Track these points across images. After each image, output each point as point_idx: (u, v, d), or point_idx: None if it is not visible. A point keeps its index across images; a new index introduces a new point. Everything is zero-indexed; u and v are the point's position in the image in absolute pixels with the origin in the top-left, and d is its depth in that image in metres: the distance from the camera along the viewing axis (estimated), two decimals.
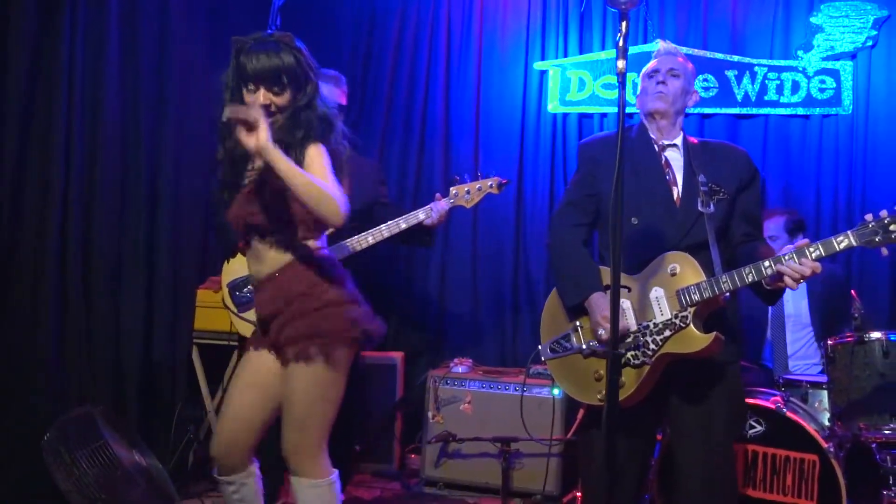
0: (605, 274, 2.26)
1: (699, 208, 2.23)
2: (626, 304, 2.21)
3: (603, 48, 4.24)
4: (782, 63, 4.02)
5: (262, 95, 2.03)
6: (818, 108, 3.98)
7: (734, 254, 2.30)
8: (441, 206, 3.06)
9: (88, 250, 3.17)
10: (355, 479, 3.55)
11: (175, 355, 3.52)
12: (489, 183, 3.10)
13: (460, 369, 3.70)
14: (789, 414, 2.77)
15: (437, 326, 4.35)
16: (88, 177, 3.17)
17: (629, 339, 2.19)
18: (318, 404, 2.06)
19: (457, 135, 4.40)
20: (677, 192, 2.30)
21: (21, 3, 2.88)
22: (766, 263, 2.08)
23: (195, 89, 3.64)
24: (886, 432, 2.64)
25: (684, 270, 2.17)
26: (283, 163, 1.88)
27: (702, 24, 4.15)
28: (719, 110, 4.10)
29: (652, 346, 2.17)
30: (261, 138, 1.86)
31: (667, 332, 2.16)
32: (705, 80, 4.04)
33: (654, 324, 2.18)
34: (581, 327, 2.30)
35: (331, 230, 2.88)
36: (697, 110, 4.01)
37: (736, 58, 4.06)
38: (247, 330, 2.99)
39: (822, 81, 3.97)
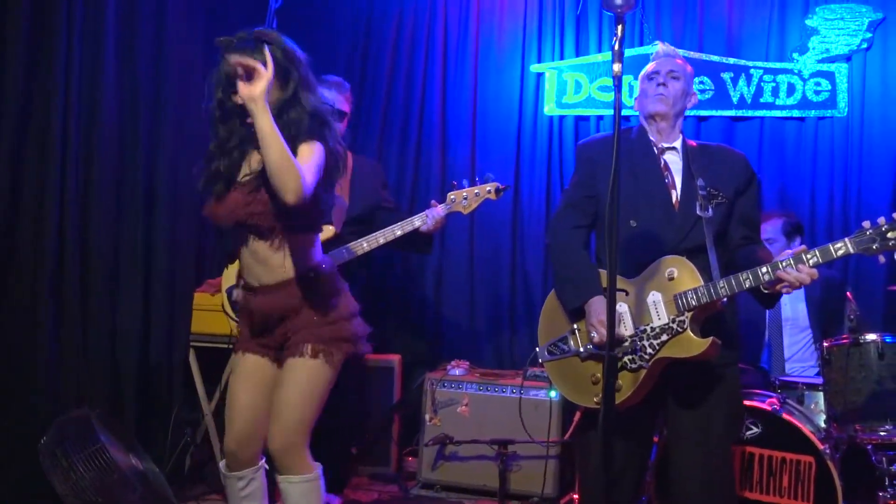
0: (605, 277, 2.27)
1: (697, 212, 2.23)
2: (623, 307, 2.22)
3: (599, 50, 4.25)
4: (778, 65, 4.04)
5: (236, 98, 2.04)
6: (813, 111, 4.00)
7: (732, 257, 2.30)
8: (437, 212, 3.03)
9: (86, 252, 3.16)
10: (353, 481, 3.55)
11: (172, 358, 3.51)
12: (487, 188, 3.06)
13: (457, 372, 3.70)
14: (785, 416, 2.78)
15: (435, 329, 4.35)
16: (85, 178, 3.16)
17: (626, 343, 2.19)
18: (312, 402, 2.10)
19: (454, 137, 4.40)
20: (676, 195, 2.31)
21: (18, 2, 2.87)
22: (764, 269, 2.09)
23: (193, 90, 3.63)
24: (882, 434, 2.66)
25: (682, 275, 2.18)
26: (266, 121, 1.87)
27: (698, 27, 4.17)
28: (715, 112, 4.11)
29: (649, 349, 2.17)
30: (256, 88, 1.86)
31: (664, 337, 2.16)
32: (701, 82, 4.05)
33: (652, 328, 2.18)
34: (579, 330, 2.31)
35: (329, 234, 2.89)
36: (693, 113, 4.02)
37: (732, 60, 4.08)
38: None
39: (818, 84, 3.98)
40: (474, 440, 3.45)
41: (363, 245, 2.97)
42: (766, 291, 2.13)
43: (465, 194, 3.06)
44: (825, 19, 3.97)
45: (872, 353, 2.71)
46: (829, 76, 3.97)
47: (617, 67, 1.80)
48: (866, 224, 2.03)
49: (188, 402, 3.57)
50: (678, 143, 2.38)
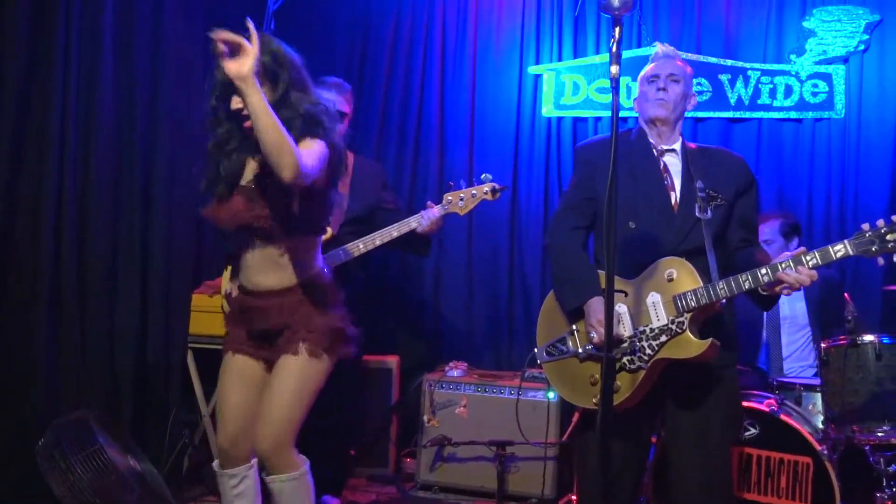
0: (604, 278, 2.27)
1: (697, 214, 2.23)
2: (622, 308, 2.22)
3: (597, 52, 4.26)
4: (775, 67, 4.05)
5: (233, 101, 2.05)
6: (811, 112, 4.01)
7: (731, 259, 2.31)
8: (433, 213, 3.00)
9: (83, 253, 3.16)
10: (351, 482, 3.55)
11: (170, 359, 3.51)
12: (484, 189, 3.03)
13: (455, 373, 3.70)
14: (783, 417, 2.79)
15: (433, 330, 4.35)
16: (83, 178, 3.16)
17: (625, 344, 2.19)
18: (301, 402, 2.10)
19: (452, 138, 4.41)
20: (675, 197, 2.31)
21: (16, 1, 2.87)
22: (763, 271, 2.09)
23: (190, 90, 3.63)
24: (879, 434, 2.66)
25: (681, 276, 2.18)
26: (257, 97, 1.83)
27: (695, 29, 4.17)
28: (713, 114, 4.12)
29: (648, 350, 2.17)
30: (244, 65, 1.81)
31: (663, 338, 2.16)
32: (699, 83, 4.06)
33: (651, 329, 2.18)
34: (577, 331, 2.31)
35: (327, 235, 2.88)
36: (691, 114, 4.01)
37: (729, 62, 4.09)
38: None
39: (815, 85, 3.99)
40: (472, 441, 3.45)
41: (359, 246, 2.96)
42: (764, 293, 2.14)
43: (461, 195, 3.03)
44: (822, 21, 3.98)
45: (870, 354, 2.72)
46: (827, 78, 3.98)
47: (615, 69, 1.80)
48: (865, 226, 2.04)
49: (186, 403, 3.57)
50: (678, 146, 2.38)
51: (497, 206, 4.27)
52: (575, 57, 4.29)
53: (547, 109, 4.28)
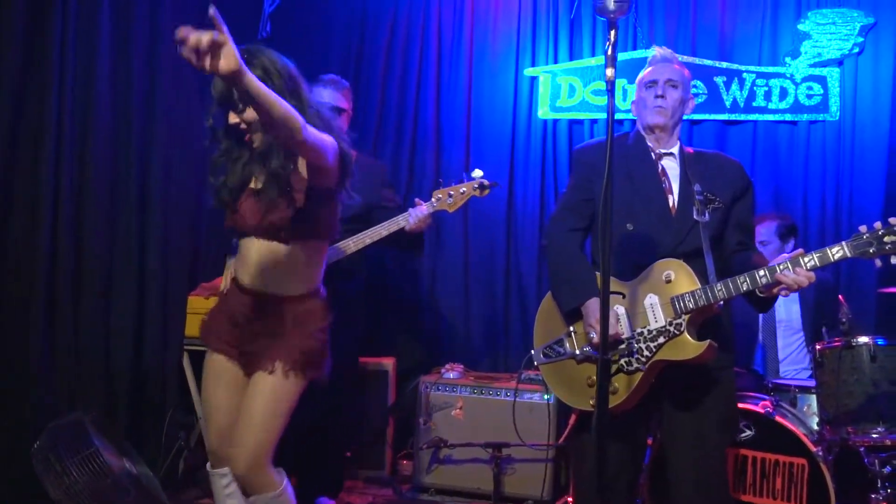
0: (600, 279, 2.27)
1: (694, 217, 2.24)
2: (620, 310, 2.23)
3: (593, 55, 4.27)
4: (770, 70, 4.06)
5: (230, 116, 2.06)
6: (806, 115, 4.02)
7: (727, 263, 2.31)
8: (420, 210, 2.97)
9: (79, 254, 3.15)
10: (347, 484, 3.54)
11: (166, 362, 3.51)
12: (473, 185, 2.99)
13: (452, 375, 3.70)
14: (778, 418, 2.80)
15: (429, 332, 4.36)
16: (79, 178, 3.15)
17: (623, 346, 2.20)
18: (276, 421, 2.08)
19: (448, 140, 4.41)
20: (673, 200, 2.32)
21: (12, 1, 2.86)
22: (762, 272, 2.10)
23: (187, 90, 3.63)
24: (874, 436, 2.67)
25: (679, 277, 2.19)
26: (254, 84, 1.75)
27: (690, 31, 4.19)
28: (708, 116, 4.13)
29: (646, 352, 2.18)
30: (230, 59, 1.66)
31: (661, 339, 2.17)
32: (694, 86, 4.07)
33: (649, 330, 2.19)
34: (575, 332, 2.31)
35: None
36: (686, 116, 4.03)
37: (724, 64, 4.10)
38: None
39: (810, 88, 4.01)
40: (469, 443, 3.45)
41: (350, 244, 2.95)
42: (762, 295, 2.15)
43: (450, 192, 3.00)
44: (817, 24, 3.99)
45: (864, 355, 2.72)
46: (822, 80, 4.00)
47: (610, 72, 1.81)
48: (863, 228, 2.05)
49: (182, 405, 3.56)
50: (675, 149, 2.39)
51: (493, 207, 4.30)
52: (571, 59, 4.30)
53: (543, 111, 4.29)
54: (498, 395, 3.54)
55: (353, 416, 3.55)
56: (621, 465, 2.29)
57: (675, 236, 2.26)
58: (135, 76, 3.38)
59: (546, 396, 3.43)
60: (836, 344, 2.78)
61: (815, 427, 2.86)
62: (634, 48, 4.22)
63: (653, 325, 2.19)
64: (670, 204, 2.31)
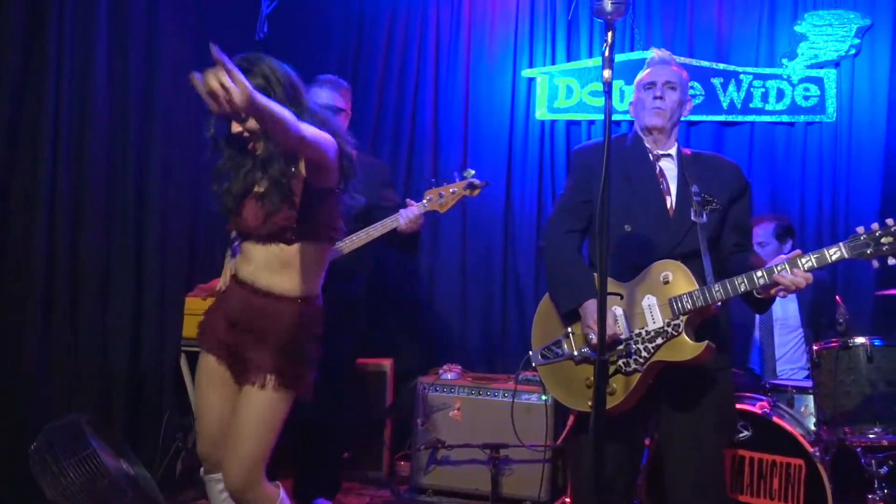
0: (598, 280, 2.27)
1: (692, 218, 2.25)
2: (618, 311, 2.23)
3: (590, 56, 4.27)
4: (767, 71, 4.07)
5: (233, 126, 2.06)
6: (802, 116, 4.03)
7: (724, 264, 2.32)
8: (411, 211, 2.94)
9: (76, 254, 3.15)
10: (345, 485, 3.54)
11: (163, 363, 3.50)
12: (464, 185, 2.95)
13: (449, 376, 3.70)
14: (776, 419, 2.80)
15: (427, 333, 4.36)
16: (77, 179, 3.15)
17: (621, 347, 2.20)
18: (268, 435, 2.06)
19: (446, 141, 4.42)
20: (671, 201, 2.32)
21: (9, 1, 2.86)
22: (759, 273, 2.10)
23: (184, 90, 3.63)
24: (871, 436, 2.68)
25: (676, 279, 2.19)
26: (268, 108, 1.73)
27: (688, 33, 4.20)
28: (705, 117, 4.14)
29: (644, 353, 2.18)
30: (244, 92, 1.62)
31: (659, 340, 2.17)
32: (691, 87, 4.08)
33: (647, 331, 2.19)
34: (573, 333, 2.31)
35: None
36: (683, 118, 4.05)
37: (721, 66, 4.11)
38: None
39: (807, 89, 4.02)
40: (466, 444, 3.45)
41: (345, 244, 2.93)
42: (759, 296, 2.15)
43: (441, 192, 2.97)
44: (814, 25, 4.01)
45: (861, 356, 2.73)
46: (818, 82, 4.01)
47: (607, 74, 1.81)
48: (860, 229, 2.05)
49: (179, 406, 3.56)
50: (673, 151, 2.39)
51: (491, 208, 4.31)
52: (568, 60, 4.30)
53: (540, 112, 4.30)
54: (496, 395, 3.54)
55: (351, 416, 3.54)
56: (619, 465, 2.29)
57: (672, 237, 2.27)
58: (132, 75, 3.38)
59: (544, 397, 3.43)
60: (833, 345, 2.79)
61: (813, 427, 2.87)
62: (632, 49, 4.22)
63: (651, 326, 2.19)
64: (668, 205, 2.31)
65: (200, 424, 2.17)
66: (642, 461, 2.62)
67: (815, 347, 2.86)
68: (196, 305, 3.50)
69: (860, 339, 2.75)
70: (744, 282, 2.11)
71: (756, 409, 2.83)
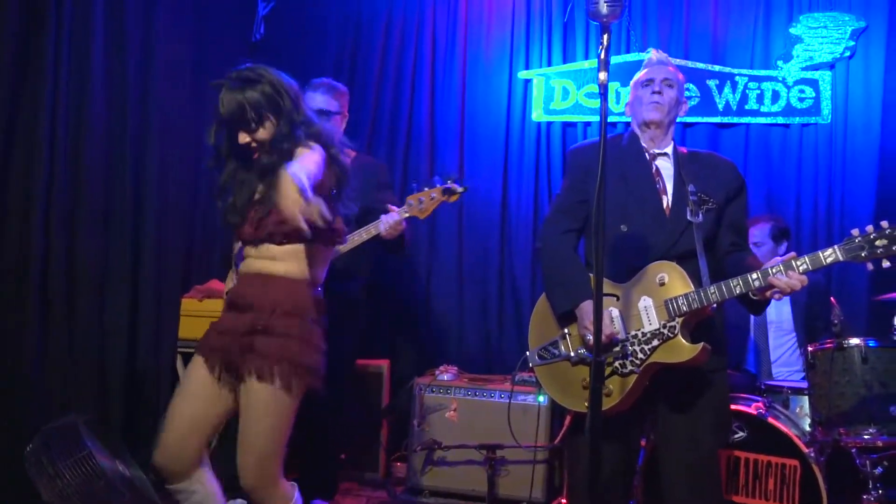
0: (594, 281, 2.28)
1: (688, 217, 2.25)
2: (614, 312, 2.23)
3: (586, 58, 4.28)
4: (762, 73, 4.09)
5: (240, 136, 2.08)
6: (798, 118, 4.05)
7: (721, 264, 2.32)
8: (391, 217, 2.90)
9: (72, 256, 3.14)
10: (341, 486, 3.54)
11: (159, 364, 3.50)
12: (441, 190, 2.89)
13: (446, 377, 3.71)
14: (771, 420, 2.81)
15: (424, 334, 4.36)
16: (73, 180, 3.14)
17: (617, 348, 2.20)
18: (280, 432, 2.05)
19: (442, 143, 4.42)
20: (667, 200, 2.32)
21: (6, 2, 2.85)
22: (755, 276, 2.11)
23: (181, 91, 3.63)
24: (866, 437, 2.68)
25: (672, 280, 2.19)
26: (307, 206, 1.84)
27: (683, 35, 4.21)
28: (701, 119, 4.15)
29: (640, 355, 2.19)
30: (306, 202, 1.80)
31: (655, 342, 2.18)
32: (687, 89, 4.09)
33: (643, 333, 2.20)
34: (569, 334, 2.32)
35: None
36: (679, 119, 4.06)
37: (717, 67, 4.12)
38: None
39: (802, 91, 4.04)
40: (463, 445, 3.45)
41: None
42: (755, 298, 2.16)
43: (420, 197, 2.93)
44: (809, 28, 4.02)
45: (856, 357, 2.74)
46: (813, 84, 4.02)
47: (603, 76, 1.82)
48: (855, 232, 2.06)
49: None
50: (669, 150, 2.40)
51: (487, 210, 4.31)
52: (564, 62, 4.31)
53: (537, 114, 4.31)
54: (492, 396, 3.55)
55: (347, 418, 3.54)
56: (616, 466, 2.29)
57: (669, 237, 2.27)
58: (129, 76, 3.38)
59: (540, 398, 3.43)
60: (828, 346, 2.80)
61: (808, 428, 2.88)
62: (628, 51, 4.23)
63: (647, 328, 2.20)
64: (664, 205, 2.32)
65: (165, 435, 2.09)
66: (639, 462, 2.63)
67: (810, 348, 2.87)
68: (193, 306, 3.49)
69: (855, 341, 2.76)
70: (739, 284, 2.12)
71: (751, 410, 2.84)
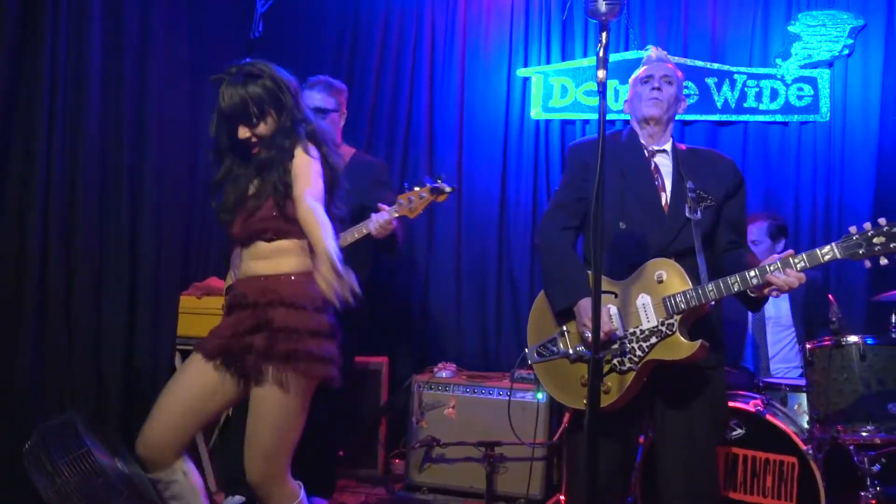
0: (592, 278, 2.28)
1: (687, 214, 2.25)
2: (613, 309, 2.24)
3: (585, 55, 4.28)
4: (761, 71, 4.09)
5: (240, 131, 2.08)
6: (796, 115, 4.05)
7: (719, 261, 2.33)
8: (381, 216, 2.88)
9: (70, 254, 3.13)
10: (340, 484, 3.55)
11: (157, 361, 3.49)
12: (429, 190, 2.87)
13: (444, 374, 3.71)
14: (769, 417, 2.81)
15: (422, 332, 4.36)
16: (70, 178, 3.13)
17: (615, 346, 2.21)
18: (286, 434, 2.04)
19: (441, 141, 4.42)
20: (666, 197, 2.33)
21: (3, 1, 2.85)
22: (752, 273, 2.11)
23: (179, 88, 3.62)
24: (864, 434, 2.68)
25: (671, 277, 2.20)
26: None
27: (682, 33, 4.21)
28: (700, 117, 4.16)
29: (638, 352, 2.19)
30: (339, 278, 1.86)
31: (653, 339, 2.18)
32: (685, 87, 4.09)
33: (641, 330, 2.20)
34: (568, 332, 2.32)
35: None
36: (678, 117, 4.05)
37: (716, 65, 4.12)
38: None
39: (800, 89, 4.04)
40: (461, 442, 3.45)
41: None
42: (752, 295, 2.16)
43: (410, 197, 2.90)
44: (808, 26, 4.02)
45: (854, 354, 2.74)
46: (812, 81, 4.03)
47: (602, 74, 1.82)
48: (853, 229, 2.06)
49: None
50: (668, 146, 2.40)
51: (486, 207, 4.31)
52: (563, 60, 4.31)
53: (535, 112, 4.30)
54: (490, 393, 3.55)
55: (346, 415, 3.55)
56: (614, 463, 2.30)
57: (667, 234, 2.27)
58: (126, 74, 3.37)
59: (538, 395, 3.44)
60: (826, 343, 2.80)
61: (806, 426, 2.88)
62: (626, 49, 4.23)
63: (645, 325, 2.20)
64: (663, 202, 2.32)
65: (149, 424, 2.08)
66: (637, 458, 2.64)
67: (808, 346, 2.87)
68: (191, 304, 3.49)
69: (853, 338, 2.76)
70: (737, 281, 2.12)
71: (749, 408, 2.84)
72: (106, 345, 3.29)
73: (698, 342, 2.14)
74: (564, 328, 2.32)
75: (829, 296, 3.40)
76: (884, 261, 2.03)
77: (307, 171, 2.04)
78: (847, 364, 2.74)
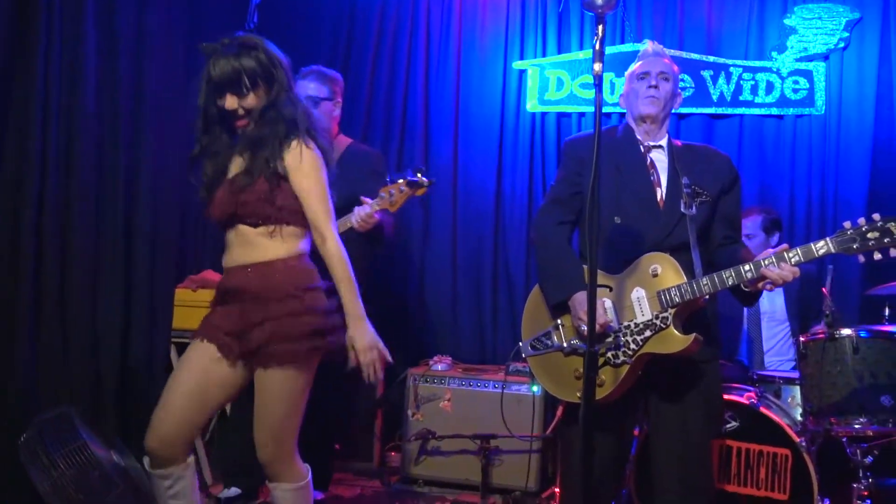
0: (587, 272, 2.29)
1: (682, 210, 2.26)
2: (607, 303, 2.24)
3: (581, 48, 4.27)
4: (757, 64, 4.09)
5: (228, 101, 2.05)
6: (792, 109, 4.05)
7: (714, 256, 2.34)
8: (363, 209, 2.87)
9: (65, 247, 3.12)
10: (335, 476, 3.55)
11: (153, 354, 3.49)
12: (409, 182, 2.84)
13: (440, 367, 3.71)
14: (763, 409, 2.83)
15: (417, 324, 4.36)
16: (66, 173, 3.12)
17: (610, 339, 2.22)
18: (294, 412, 2.07)
19: (436, 133, 4.41)
20: (661, 193, 2.33)
21: None
22: (747, 268, 2.12)
23: (175, 82, 3.61)
24: (856, 427, 2.70)
25: (665, 271, 2.20)
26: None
27: (678, 26, 4.20)
28: (695, 110, 4.15)
29: (632, 345, 2.20)
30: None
31: (647, 333, 2.19)
32: (681, 80, 4.09)
33: (635, 324, 2.21)
34: (562, 325, 2.33)
35: None
36: (673, 110, 4.06)
37: (711, 58, 4.12)
38: None
39: (796, 82, 4.04)
40: (457, 435, 3.46)
41: None
42: (747, 289, 2.17)
43: (391, 190, 2.89)
44: (803, 19, 4.02)
45: (847, 347, 2.75)
46: (807, 75, 4.03)
47: (598, 67, 1.82)
48: (847, 224, 2.07)
49: None
50: (664, 142, 2.40)
51: (481, 200, 4.31)
52: (559, 52, 4.31)
53: (531, 104, 4.30)
54: (486, 386, 3.56)
55: (341, 408, 3.55)
56: (608, 455, 2.31)
57: (662, 229, 2.28)
58: (122, 70, 3.36)
59: (533, 388, 3.45)
60: (820, 336, 2.81)
61: (799, 418, 2.90)
62: (622, 42, 4.23)
63: (639, 319, 2.21)
64: (658, 197, 2.33)
65: (157, 417, 2.07)
66: (631, 451, 2.65)
67: (801, 339, 2.88)
68: (187, 296, 3.49)
69: (846, 331, 2.77)
70: (731, 275, 2.13)
71: (743, 400, 2.86)
72: (102, 342, 3.29)
73: (692, 336, 2.15)
74: (559, 322, 2.33)
75: (823, 289, 3.42)
76: (877, 255, 2.04)
77: (317, 175, 2.05)
78: (840, 357, 2.75)
